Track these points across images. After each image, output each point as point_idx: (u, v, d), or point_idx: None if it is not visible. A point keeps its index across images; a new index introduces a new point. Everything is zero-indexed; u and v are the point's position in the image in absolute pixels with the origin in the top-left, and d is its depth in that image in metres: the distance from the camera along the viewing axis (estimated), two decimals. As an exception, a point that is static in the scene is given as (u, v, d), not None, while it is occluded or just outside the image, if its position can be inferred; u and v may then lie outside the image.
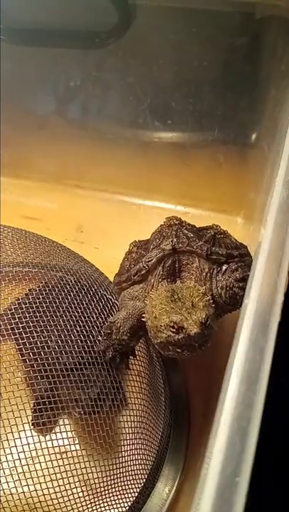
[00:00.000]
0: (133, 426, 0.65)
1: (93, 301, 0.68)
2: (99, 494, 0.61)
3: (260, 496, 0.42)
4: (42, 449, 0.58)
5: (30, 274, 0.70)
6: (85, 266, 0.77)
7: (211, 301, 0.59)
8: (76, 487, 0.58)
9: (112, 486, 0.62)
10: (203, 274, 0.61)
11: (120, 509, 0.62)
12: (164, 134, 0.92)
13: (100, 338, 0.63)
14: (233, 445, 0.36)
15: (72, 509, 0.58)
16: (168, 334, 0.55)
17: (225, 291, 0.61)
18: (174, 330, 0.54)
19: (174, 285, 0.60)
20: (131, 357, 0.65)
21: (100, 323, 0.66)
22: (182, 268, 0.62)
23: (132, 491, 0.64)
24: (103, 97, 0.92)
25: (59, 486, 0.57)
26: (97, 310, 0.67)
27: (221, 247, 0.64)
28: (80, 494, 0.59)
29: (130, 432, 0.65)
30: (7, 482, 0.55)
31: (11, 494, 0.56)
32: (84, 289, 0.69)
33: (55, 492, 0.57)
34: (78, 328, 0.64)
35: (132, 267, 0.65)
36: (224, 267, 0.62)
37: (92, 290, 0.69)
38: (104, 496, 0.61)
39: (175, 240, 0.63)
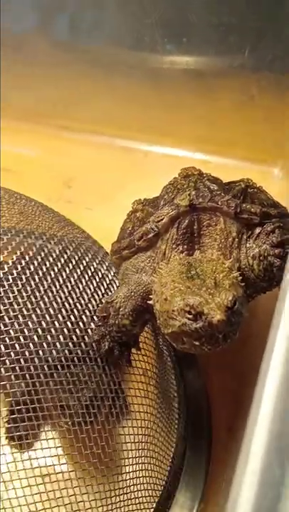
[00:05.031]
0: (137, 440, 0.64)
1: (84, 278, 0.67)
2: (92, 529, 0.59)
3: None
4: (18, 470, 0.57)
5: (1, 242, 0.68)
6: (73, 232, 0.75)
7: (240, 278, 0.57)
8: (62, 520, 0.57)
9: (110, 518, 0.60)
10: (230, 239, 0.60)
11: None
12: (179, 57, 0.90)
13: (93, 325, 0.62)
14: (270, 470, 0.35)
15: None
16: (182, 322, 0.53)
17: (258, 262, 0.60)
18: (190, 316, 0.52)
19: (191, 257, 0.58)
20: (134, 350, 0.64)
21: (92, 307, 0.64)
22: (202, 231, 0.60)
23: (136, 524, 0.62)
24: (97, 8, 0.90)
25: (40, 518, 0.56)
26: (90, 289, 0.66)
27: (254, 203, 0.62)
28: (68, 530, 0.57)
29: (133, 448, 0.63)
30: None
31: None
32: (72, 262, 0.68)
33: (35, 528, 0.55)
34: (64, 313, 0.63)
35: (135, 229, 0.64)
36: (257, 230, 0.61)
37: (82, 263, 0.68)
38: (99, 532, 0.60)
39: (194, 193, 0.61)
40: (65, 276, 0.66)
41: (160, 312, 0.56)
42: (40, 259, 0.66)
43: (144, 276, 0.62)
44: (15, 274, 0.64)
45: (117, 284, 0.67)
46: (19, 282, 0.63)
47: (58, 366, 0.60)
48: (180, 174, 0.66)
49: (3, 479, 0.56)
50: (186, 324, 0.53)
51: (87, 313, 0.64)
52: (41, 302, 0.62)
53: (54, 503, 0.57)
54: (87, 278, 0.67)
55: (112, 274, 0.69)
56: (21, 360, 0.59)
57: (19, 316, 0.61)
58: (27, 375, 0.59)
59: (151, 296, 0.59)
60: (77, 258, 0.69)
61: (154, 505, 0.65)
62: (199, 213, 0.60)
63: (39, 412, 0.60)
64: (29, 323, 0.61)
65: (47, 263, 0.66)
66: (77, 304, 0.64)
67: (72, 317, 0.63)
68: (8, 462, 0.57)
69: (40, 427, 0.61)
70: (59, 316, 0.62)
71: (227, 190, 0.62)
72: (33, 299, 0.62)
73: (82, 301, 0.65)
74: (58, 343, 0.60)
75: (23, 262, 0.66)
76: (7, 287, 0.62)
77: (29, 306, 0.62)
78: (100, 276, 0.69)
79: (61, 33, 0.94)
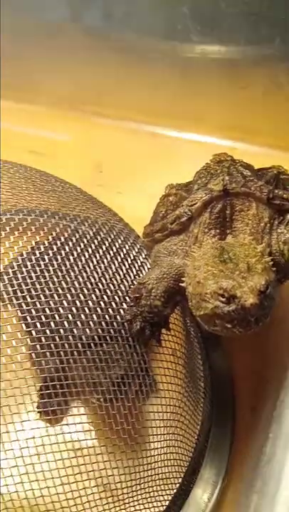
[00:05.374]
0: (165, 418, 0.63)
1: (116, 260, 0.66)
2: (121, 502, 0.59)
3: None
4: (51, 444, 0.56)
5: (36, 224, 0.67)
6: (106, 215, 0.74)
7: (272, 262, 0.56)
8: (93, 493, 0.57)
9: (138, 491, 0.60)
10: (262, 224, 0.59)
11: (148, 520, 0.61)
12: (210, 46, 0.88)
13: (125, 306, 0.62)
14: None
15: (88, 519, 0.57)
16: (215, 304, 0.52)
17: (288, 248, 0.59)
18: (223, 299, 0.52)
19: (224, 241, 0.58)
20: (164, 330, 0.63)
21: (124, 288, 0.64)
22: (235, 216, 0.60)
23: (162, 498, 0.62)
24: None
25: (72, 491, 0.55)
26: (122, 271, 0.65)
27: (286, 190, 0.61)
28: (98, 502, 0.57)
29: (161, 425, 0.63)
30: (7, 485, 0.53)
31: (12, 500, 0.54)
32: (104, 244, 0.67)
33: (67, 499, 0.55)
34: (97, 293, 0.62)
35: (168, 213, 0.63)
36: (288, 216, 0.60)
37: (114, 246, 0.68)
38: (127, 505, 0.59)
39: (227, 178, 0.60)
40: (98, 258, 0.65)
41: (193, 294, 0.55)
42: (74, 241, 0.66)
43: (176, 259, 0.61)
44: (50, 255, 0.63)
45: (148, 266, 0.67)
46: (54, 262, 0.63)
47: (91, 344, 0.59)
48: (212, 160, 0.66)
49: (37, 452, 0.56)
50: (218, 307, 0.52)
51: (120, 293, 0.63)
52: (75, 282, 0.62)
53: (85, 476, 0.57)
54: (119, 260, 0.66)
55: (143, 256, 0.69)
56: (56, 337, 0.58)
57: (54, 295, 0.60)
58: (61, 352, 0.58)
59: (183, 279, 0.58)
60: (110, 240, 0.68)
61: (180, 480, 0.64)
62: (232, 198, 0.60)
63: (72, 388, 0.59)
64: (64, 302, 0.60)
65: (81, 244, 0.66)
66: (110, 285, 0.63)
67: (105, 297, 0.62)
68: (42, 436, 0.56)
69: (72, 403, 0.61)
70: (92, 295, 0.61)
71: (259, 176, 0.62)
72: (68, 279, 0.62)
73: (115, 282, 0.64)
74: (91, 322, 0.60)
75: (58, 243, 0.65)
76: (43, 267, 0.62)
77: (64, 285, 0.61)
78: (132, 258, 0.68)
79: (95, 22, 0.93)
